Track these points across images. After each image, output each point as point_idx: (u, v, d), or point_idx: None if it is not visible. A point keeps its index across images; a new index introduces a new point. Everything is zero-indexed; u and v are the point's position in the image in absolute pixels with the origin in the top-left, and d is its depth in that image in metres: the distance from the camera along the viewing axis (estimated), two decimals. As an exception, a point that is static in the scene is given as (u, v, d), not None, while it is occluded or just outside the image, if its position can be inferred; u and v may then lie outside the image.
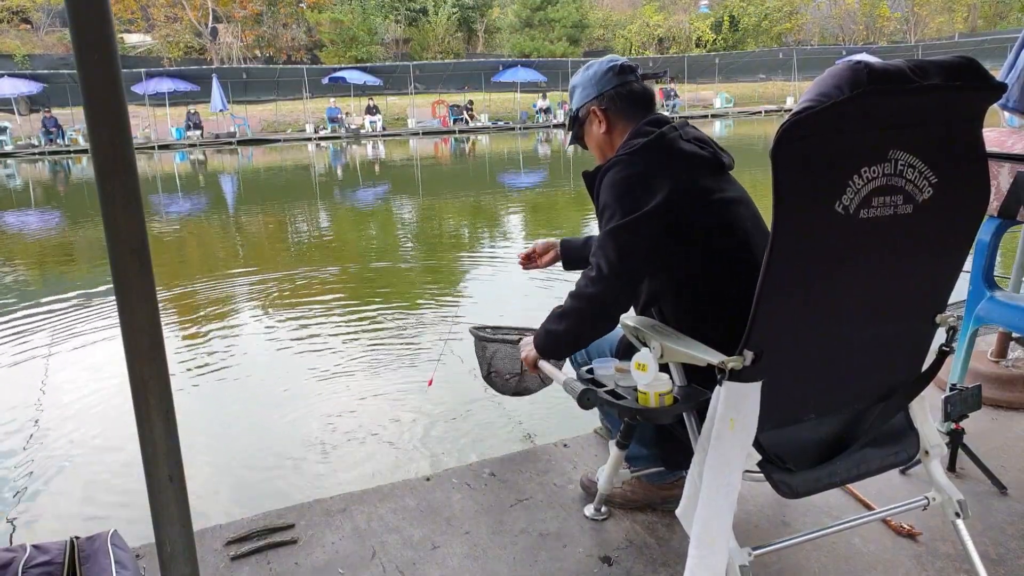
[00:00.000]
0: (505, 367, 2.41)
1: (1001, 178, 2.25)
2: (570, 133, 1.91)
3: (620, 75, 1.81)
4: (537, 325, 1.88)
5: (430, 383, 3.69)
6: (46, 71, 26.74)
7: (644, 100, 1.83)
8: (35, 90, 25.00)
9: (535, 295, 5.92)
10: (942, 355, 1.56)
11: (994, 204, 2.28)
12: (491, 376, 2.45)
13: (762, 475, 1.46)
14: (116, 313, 0.97)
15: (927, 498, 1.65)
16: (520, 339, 2.26)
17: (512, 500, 2.18)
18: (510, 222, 10.68)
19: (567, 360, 2.07)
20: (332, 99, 28.42)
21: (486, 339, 2.41)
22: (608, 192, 1.67)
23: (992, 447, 2.35)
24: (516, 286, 6.40)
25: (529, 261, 2.26)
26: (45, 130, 24.14)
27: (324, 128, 27.11)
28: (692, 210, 1.62)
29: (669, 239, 1.62)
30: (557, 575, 1.84)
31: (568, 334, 1.77)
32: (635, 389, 1.55)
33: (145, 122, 25.41)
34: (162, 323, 1.02)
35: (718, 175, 1.71)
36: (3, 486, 3.31)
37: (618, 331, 1.79)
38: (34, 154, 23.60)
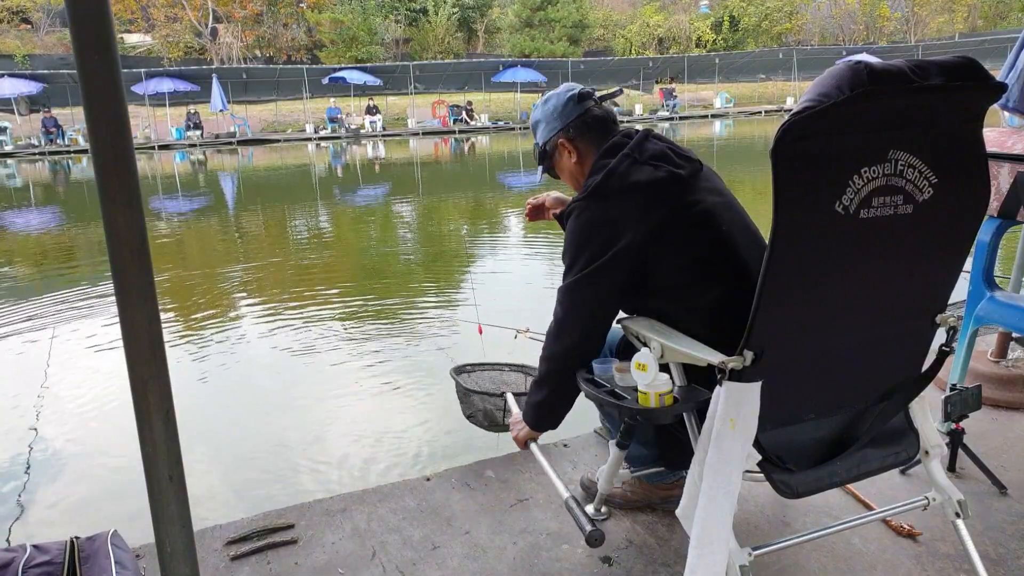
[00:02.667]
0: (489, 419, 2.45)
1: (1001, 178, 2.25)
2: (540, 168, 1.91)
3: (580, 103, 1.81)
4: (533, 325, 1.89)
5: (480, 330, 3.59)
6: (46, 71, 26.73)
7: (607, 123, 1.82)
8: (35, 90, 24.99)
9: (541, 296, 5.92)
10: (942, 355, 1.56)
11: (994, 204, 2.28)
12: (472, 418, 2.50)
13: (762, 475, 1.46)
14: (116, 313, 0.97)
15: (927, 498, 1.65)
16: (503, 393, 2.36)
17: (512, 500, 2.18)
18: (511, 222, 10.68)
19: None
20: (332, 99, 28.43)
21: (469, 391, 2.45)
22: (568, 240, 1.68)
23: (992, 447, 2.35)
24: (517, 285, 6.39)
25: (537, 213, 2.21)
26: (45, 130, 24.14)
27: (324, 128, 27.11)
28: (655, 243, 1.59)
29: (635, 279, 1.62)
30: (557, 575, 1.84)
31: (552, 396, 1.81)
32: (635, 389, 1.55)
33: (145, 122, 25.41)
34: (162, 323, 1.02)
35: (682, 187, 1.63)
36: (3, 486, 3.31)
37: (617, 331, 1.80)
38: (34, 154, 23.61)
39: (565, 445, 2.51)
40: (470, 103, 29.26)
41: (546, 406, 1.86)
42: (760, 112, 30.18)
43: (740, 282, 1.57)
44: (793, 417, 1.52)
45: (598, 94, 1.86)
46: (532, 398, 1.89)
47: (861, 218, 1.28)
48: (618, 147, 1.70)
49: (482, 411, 2.44)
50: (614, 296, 1.67)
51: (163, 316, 5.46)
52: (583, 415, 2.18)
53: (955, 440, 2.16)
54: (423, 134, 27.27)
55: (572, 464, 2.38)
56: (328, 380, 4.41)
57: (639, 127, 1.83)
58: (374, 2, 36.40)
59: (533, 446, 2.00)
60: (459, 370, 2.62)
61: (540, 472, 2.32)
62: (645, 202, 1.60)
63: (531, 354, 4.13)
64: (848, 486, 2.08)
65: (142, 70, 26.20)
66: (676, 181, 1.62)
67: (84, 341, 5.29)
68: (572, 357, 1.74)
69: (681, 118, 29.49)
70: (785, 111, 27.61)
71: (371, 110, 27.55)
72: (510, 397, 2.36)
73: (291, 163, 21.28)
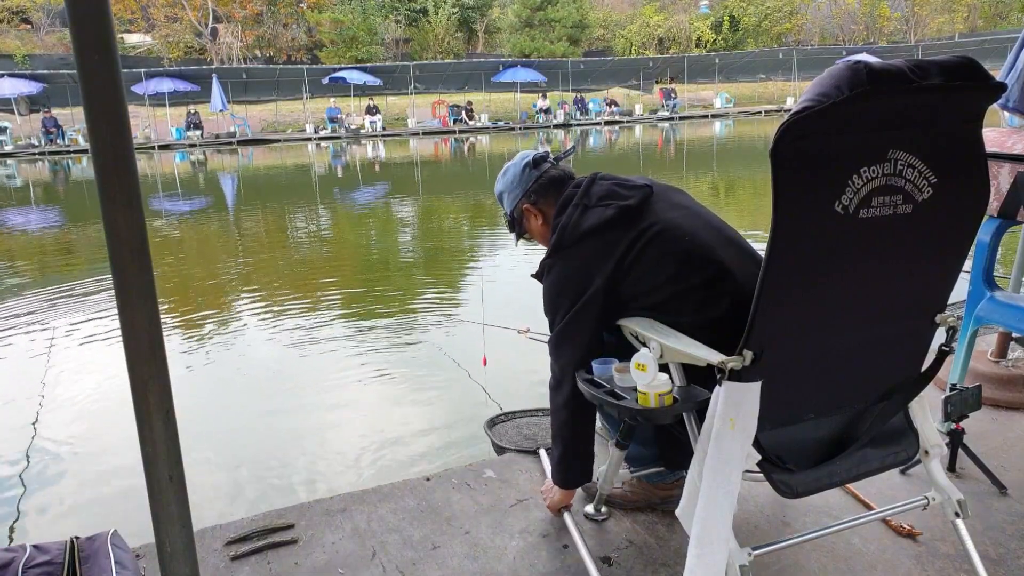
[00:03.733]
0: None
1: (1001, 178, 2.25)
2: (514, 235, 2.01)
3: (536, 167, 1.92)
4: (533, 326, 1.92)
5: (484, 362, 3.64)
6: (46, 71, 26.72)
7: (564, 181, 1.90)
8: (35, 90, 24.98)
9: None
10: (942, 355, 1.56)
11: (994, 204, 2.28)
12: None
13: (762, 475, 1.46)
14: (116, 313, 0.97)
15: (927, 498, 1.65)
16: (537, 449, 2.41)
17: (512, 500, 2.18)
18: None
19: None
20: (332, 99, 28.42)
21: (503, 448, 2.51)
22: (545, 297, 1.80)
23: (992, 447, 2.35)
24: (518, 284, 6.39)
25: None
26: (45, 130, 24.14)
27: (324, 128, 27.11)
28: (624, 274, 1.66)
29: (611, 309, 1.70)
30: (557, 575, 1.84)
31: (570, 446, 1.86)
32: (635, 389, 1.55)
33: (145, 122, 25.41)
34: (162, 323, 1.02)
35: (634, 217, 1.69)
36: (3, 486, 3.31)
37: None
38: (34, 154, 23.61)
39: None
40: (470, 103, 29.26)
41: (567, 458, 1.89)
42: (760, 112, 30.18)
43: (722, 283, 1.62)
44: (793, 417, 1.52)
45: (551, 156, 1.97)
46: (553, 457, 1.93)
47: (861, 218, 1.28)
48: (568, 200, 1.79)
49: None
50: (599, 331, 1.75)
51: (163, 316, 5.47)
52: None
53: (955, 440, 2.16)
54: (423, 134, 27.28)
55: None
56: (328, 380, 4.41)
57: (587, 174, 1.88)
58: (374, 2, 36.38)
59: (567, 517, 1.98)
60: (492, 423, 2.71)
61: (541, 472, 2.33)
62: (603, 243, 1.69)
63: (531, 354, 4.14)
64: (848, 486, 2.08)
65: (142, 70, 26.19)
66: (625, 214, 1.69)
67: (84, 341, 5.29)
68: (572, 400, 1.79)
69: (681, 118, 29.49)
70: (785, 111, 27.58)
71: (371, 110, 27.55)
72: (543, 453, 2.38)
73: (291, 163, 21.28)
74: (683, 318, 1.61)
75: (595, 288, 1.68)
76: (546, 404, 1.89)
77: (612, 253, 1.67)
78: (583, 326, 1.72)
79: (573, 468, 1.90)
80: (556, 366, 1.81)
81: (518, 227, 1.98)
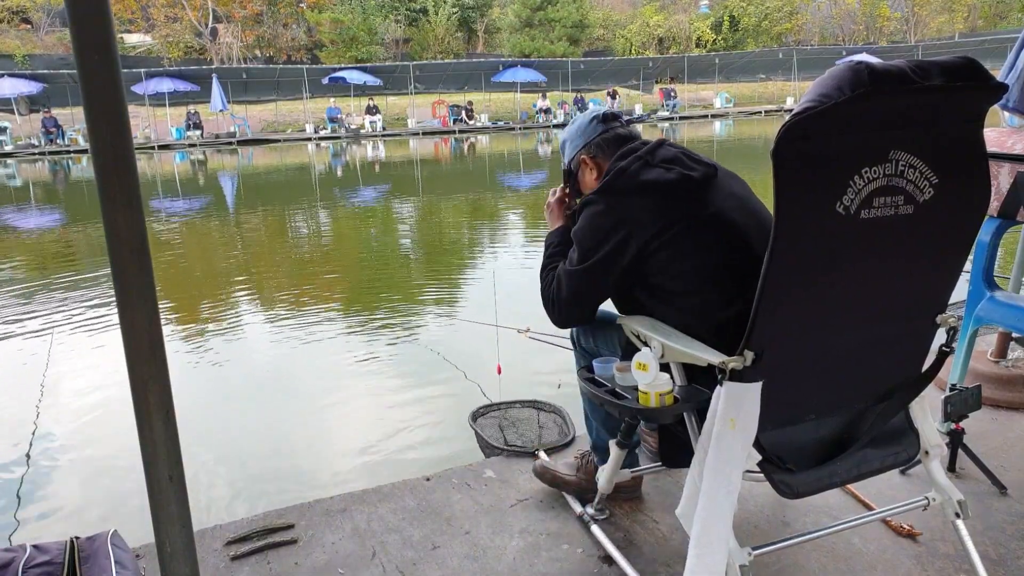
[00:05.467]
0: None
1: (1001, 178, 2.25)
2: (568, 186, 1.95)
3: (604, 122, 1.86)
4: (534, 326, 1.89)
5: (499, 370, 3.53)
6: (46, 71, 26.71)
7: (628, 141, 1.83)
8: (35, 90, 24.96)
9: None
10: (942, 355, 1.56)
11: (994, 204, 2.28)
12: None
13: (762, 475, 1.46)
14: (116, 313, 0.97)
15: (927, 498, 1.65)
16: (536, 451, 2.42)
17: (512, 500, 2.18)
18: (511, 222, 10.69)
19: (573, 350, 2.07)
20: (332, 99, 28.41)
21: (494, 447, 2.52)
22: (577, 230, 1.72)
23: (992, 447, 2.35)
24: (518, 284, 6.39)
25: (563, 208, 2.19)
26: (45, 130, 24.12)
27: (324, 128, 27.10)
28: (661, 243, 1.59)
29: (634, 277, 1.64)
30: (557, 575, 1.84)
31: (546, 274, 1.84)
32: (635, 389, 1.55)
33: (145, 122, 25.40)
34: (162, 323, 1.02)
35: (693, 190, 1.63)
36: (3, 486, 3.31)
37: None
38: (34, 154, 23.59)
39: (565, 446, 2.51)
40: (470, 103, 29.25)
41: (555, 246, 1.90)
42: (760, 112, 30.17)
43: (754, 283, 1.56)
44: (793, 417, 1.52)
45: (624, 117, 1.92)
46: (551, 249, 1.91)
47: (862, 218, 1.28)
48: (632, 151, 1.72)
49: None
50: (610, 288, 1.71)
51: (163, 316, 5.47)
52: (583, 415, 2.18)
53: (955, 440, 2.16)
54: (423, 134, 27.26)
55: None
56: (329, 380, 4.41)
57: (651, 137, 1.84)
58: (374, 2, 36.37)
59: (596, 529, 1.98)
60: (475, 416, 2.72)
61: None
62: (653, 203, 1.61)
63: (532, 354, 4.13)
64: (848, 486, 2.08)
65: (142, 70, 26.17)
66: (686, 183, 1.61)
67: (84, 341, 5.29)
68: (554, 316, 1.81)
69: (681, 118, 29.47)
70: (785, 111, 27.62)
71: (371, 110, 27.54)
72: (543, 455, 2.39)
73: (291, 163, 21.28)
74: (691, 307, 1.58)
75: (630, 242, 1.60)
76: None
77: (658, 217, 1.59)
78: (603, 275, 1.66)
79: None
80: (559, 295, 1.75)
81: (572, 179, 1.93)
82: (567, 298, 1.73)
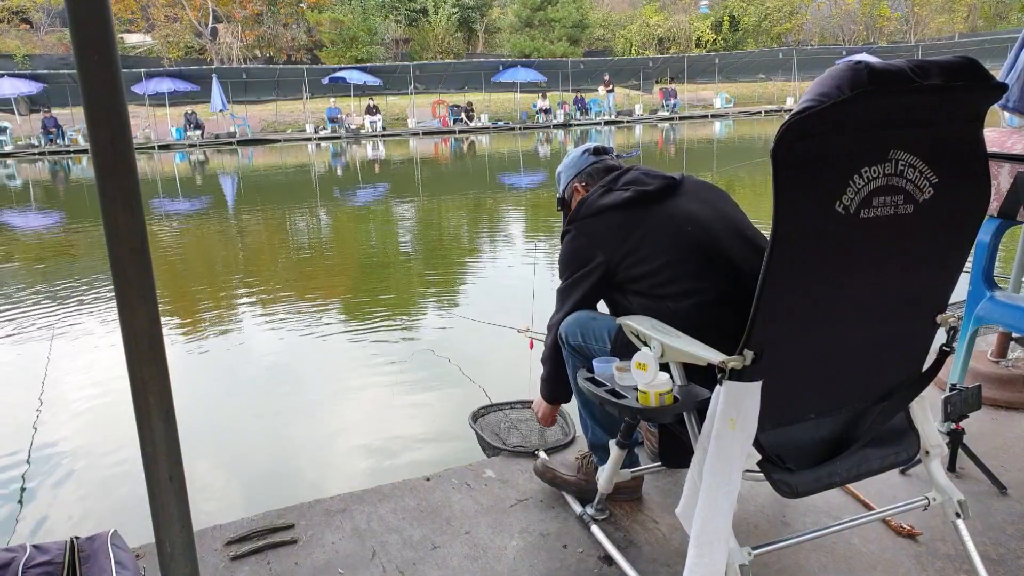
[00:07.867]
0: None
1: (1001, 178, 2.25)
2: (562, 213, 2.13)
3: (595, 154, 2.09)
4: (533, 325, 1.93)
5: (531, 345, 3.59)
6: (46, 71, 26.69)
7: (614, 171, 2.01)
8: (35, 90, 24.94)
9: (540, 294, 5.91)
10: (942, 355, 1.56)
11: (994, 204, 2.28)
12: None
13: (762, 475, 1.46)
14: (116, 313, 0.97)
15: (927, 498, 1.65)
16: (536, 451, 2.46)
17: (512, 500, 2.18)
18: (511, 222, 10.68)
19: (567, 360, 2.07)
20: (332, 99, 28.39)
21: (494, 447, 2.54)
22: (559, 258, 1.97)
23: (992, 447, 2.35)
24: (518, 284, 6.39)
25: None
26: (45, 130, 24.11)
27: (324, 128, 27.08)
28: (628, 252, 1.78)
29: (608, 284, 1.85)
30: (557, 575, 1.84)
31: (556, 369, 2.07)
32: (635, 388, 1.55)
33: (145, 122, 25.38)
34: (162, 323, 1.02)
35: (648, 201, 1.81)
36: (3, 486, 3.31)
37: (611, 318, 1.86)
38: (34, 154, 23.58)
39: (566, 446, 2.51)
40: (470, 103, 29.23)
41: (553, 378, 2.11)
42: (760, 112, 30.15)
43: (731, 282, 1.68)
44: (793, 417, 1.52)
45: (615, 153, 2.14)
46: (543, 376, 2.15)
47: (862, 218, 1.28)
48: (601, 184, 1.94)
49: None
50: (596, 293, 1.92)
51: (163, 316, 5.46)
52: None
53: (955, 440, 2.16)
54: (423, 134, 27.25)
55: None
56: (328, 380, 4.41)
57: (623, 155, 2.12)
58: (374, 2, 36.33)
59: (596, 529, 1.99)
60: (475, 416, 2.74)
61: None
62: (612, 220, 1.82)
63: (529, 356, 4.12)
64: (848, 486, 2.08)
65: (142, 70, 26.15)
66: (641, 197, 1.81)
67: (84, 341, 5.29)
68: (556, 329, 2.00)
69: (681, 118, 29.46)
70: (785, 111, 27.60)
71: (371, 110, 27.52)
72: (543, 454, 2.40)
73: (291, 163, 21.27)
74: (675, 305, 1.69)
75: (596, 262, 1.83)
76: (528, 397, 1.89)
77: (617, 232, 1.80)
78: (585, 285, 1.88)
79: (557, 387, 2.11)
80: (556, 310, 1.99)
81: (566, 207, 2.10)
82: (563, 308, 1.94)
